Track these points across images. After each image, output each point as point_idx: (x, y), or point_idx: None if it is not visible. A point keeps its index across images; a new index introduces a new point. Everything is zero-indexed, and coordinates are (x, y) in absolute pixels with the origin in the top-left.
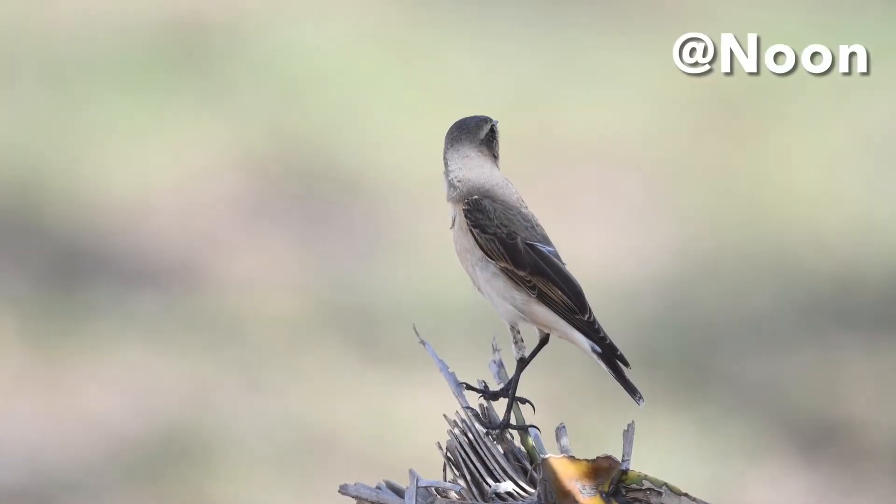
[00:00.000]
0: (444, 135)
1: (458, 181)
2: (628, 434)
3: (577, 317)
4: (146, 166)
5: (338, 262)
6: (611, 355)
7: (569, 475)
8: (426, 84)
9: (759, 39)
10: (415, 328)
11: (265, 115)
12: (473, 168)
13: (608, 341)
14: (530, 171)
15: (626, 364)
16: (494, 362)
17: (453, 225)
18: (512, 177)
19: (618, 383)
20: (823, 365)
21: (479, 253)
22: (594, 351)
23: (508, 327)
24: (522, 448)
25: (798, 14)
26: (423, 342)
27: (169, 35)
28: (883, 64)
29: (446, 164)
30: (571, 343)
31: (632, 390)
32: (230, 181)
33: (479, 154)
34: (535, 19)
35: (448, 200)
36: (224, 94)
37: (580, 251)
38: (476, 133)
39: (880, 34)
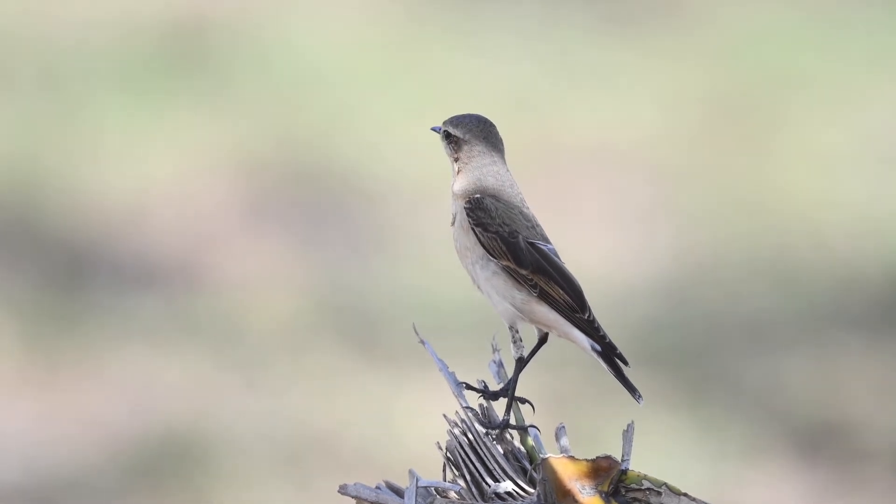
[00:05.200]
0: (458, 122)
1: (470, 176)
2: (628, 434)
3: (578, 315)
4: (145, 167)
5: (337, 262)
6: (610, 354)
7: (568, 475)
8: (426, 84)
9: (758, 40)
10: (414, 328)
11: (265, 116)
12: (487, 165)
13: (608, 340)
14: (531, 172)
15: (626, 363)
16: (494, 362)
17: (454, 222)
18: (513, 177)
19: (617, 382)
20: (823, 365)
21: (480, 251)
22: (594, 349)
23: (507, 326)
24: (522, 448)
25: (798, 14)
26: (422, 342)
27: (168, 36)
28: (883, 64)
29: (461, 154)
30: (571, 342)
31: (631, 389)
32: (229, 182)
33: (497, 153)
34: (536, 20)
35: (453, 191)
36: (223, 95)
37: (581, 251)
38: (496, 134)
39: (880, 34)
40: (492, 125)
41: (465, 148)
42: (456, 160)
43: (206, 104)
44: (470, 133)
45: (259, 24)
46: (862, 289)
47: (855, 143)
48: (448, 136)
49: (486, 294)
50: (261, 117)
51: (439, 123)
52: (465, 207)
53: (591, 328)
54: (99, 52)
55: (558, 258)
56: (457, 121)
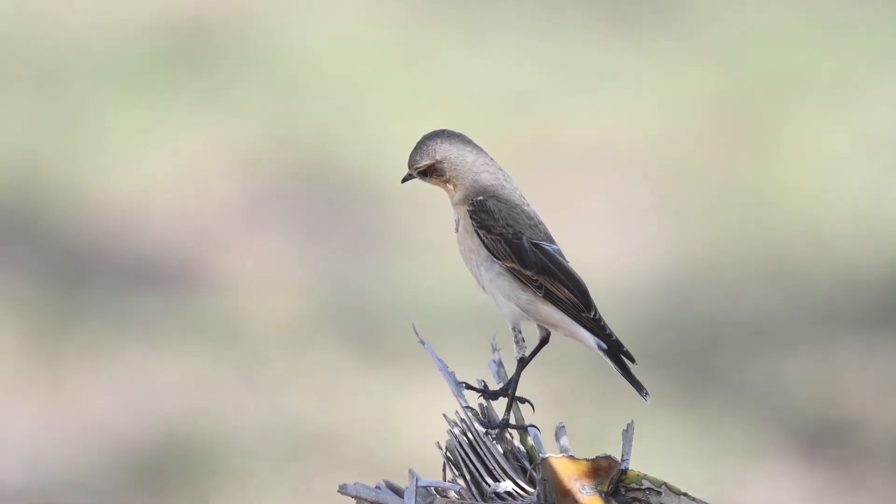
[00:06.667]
0: (421, 153)
1: (466, 182)
2: (628, 434)
3: (584, 315)
4: (146, 167)
5: (337, 262)
6: (617, 351)
7: (568, 475)
8: (426, 84)
9: (759, 40)
10: (414, 328)
11: (265, 115)
12: (471, 163)
13: (614, 338)
14: (531, 172)
15: (633, 360)
16: (494, 362)
17: (458, 229)
18: (514, 176)
19: (623, 380)
20: (823, 365)
21: (485, 253)
22: (600, 348)
23: (510, 327)
24: (522, 448)
25: (799, 14)
26: (422, 342)
27: (169, 36)
28: (883, 64)
29: (447, 173)
30: (576, 341)
31: (638, 386)
32: (230, 181)
33: (468, 146)
34: (536, 20)
35: (454, 204)
36: (224, 95)
37: (581, 251)
38: (454, 133)
39: (880, 34)
40: (442, 131)
41: (446, 165)
42: (447, 181)
43: (208, 104)
44: (437, 152)
45: (260, 24)
46: (862, 289)
47: (855, 143)
48: (426, 172)
49: (492, 295)
50: (262, 117)
51: (438, 123)
52: (468, 210)
53: (597, 327)
54: (100, 52)
55: (563, 258)
56: (418, 154)
